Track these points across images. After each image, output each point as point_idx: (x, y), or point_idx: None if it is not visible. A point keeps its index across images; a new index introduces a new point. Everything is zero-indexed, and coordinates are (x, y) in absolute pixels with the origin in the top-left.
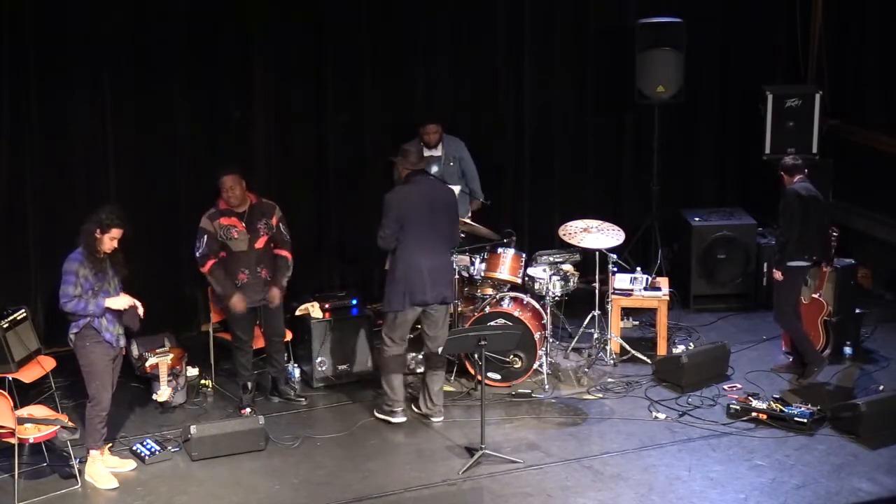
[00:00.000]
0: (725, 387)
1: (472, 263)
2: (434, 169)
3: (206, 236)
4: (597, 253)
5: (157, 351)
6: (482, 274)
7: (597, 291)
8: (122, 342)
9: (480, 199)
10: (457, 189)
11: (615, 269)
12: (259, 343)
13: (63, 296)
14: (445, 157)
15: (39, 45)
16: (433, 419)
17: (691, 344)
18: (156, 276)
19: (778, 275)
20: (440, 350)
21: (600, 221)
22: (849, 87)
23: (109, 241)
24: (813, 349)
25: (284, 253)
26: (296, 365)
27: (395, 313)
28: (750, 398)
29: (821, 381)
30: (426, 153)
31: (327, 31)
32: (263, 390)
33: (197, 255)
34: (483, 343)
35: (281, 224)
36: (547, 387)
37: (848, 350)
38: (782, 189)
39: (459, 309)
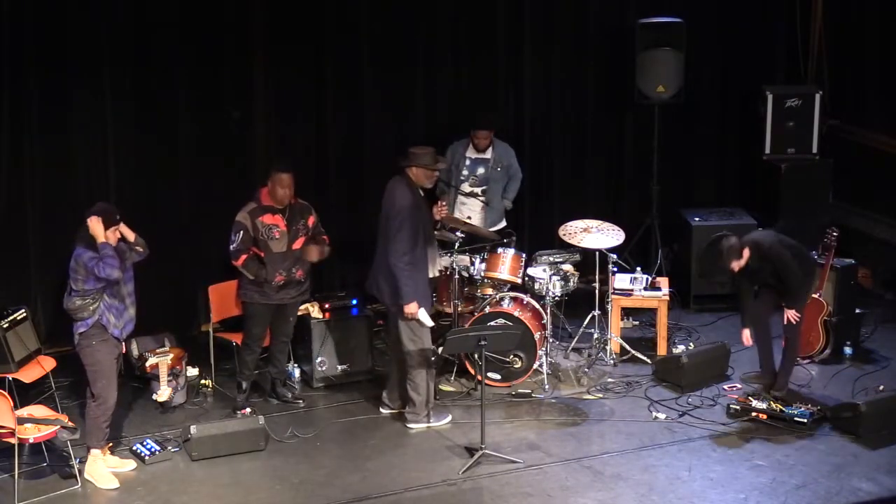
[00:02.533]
0: (725, 387)
1: (472, 263)
2: (480, 171)
3: (242, 232)
4: (597, 253)
5: (157, 351)
6: (482, 274)
7: (597, 291)
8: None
9: (505, 202)
10: (477, 205)
11: (615, 269)
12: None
13: (105, 267)
14: (494, 161)
15: (39, 45)
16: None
17: (691, 344)
18: (156, 276)
19: (794, 315)
20: (439, 350)
21: (600, 221)
22: (849, 87)
23: (113, 234)
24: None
25: (325, 238)
26: (296, 365)
27: None
28: (750, 398)
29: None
30: (475, 155)
31: (327, 31)
32: (262, 391)
33: (231, 248)
34: (483, 343)
35: (318, 223)
36: (547, 387)
37: (848, 350)
38: (756, 257)
39: (459, 309)
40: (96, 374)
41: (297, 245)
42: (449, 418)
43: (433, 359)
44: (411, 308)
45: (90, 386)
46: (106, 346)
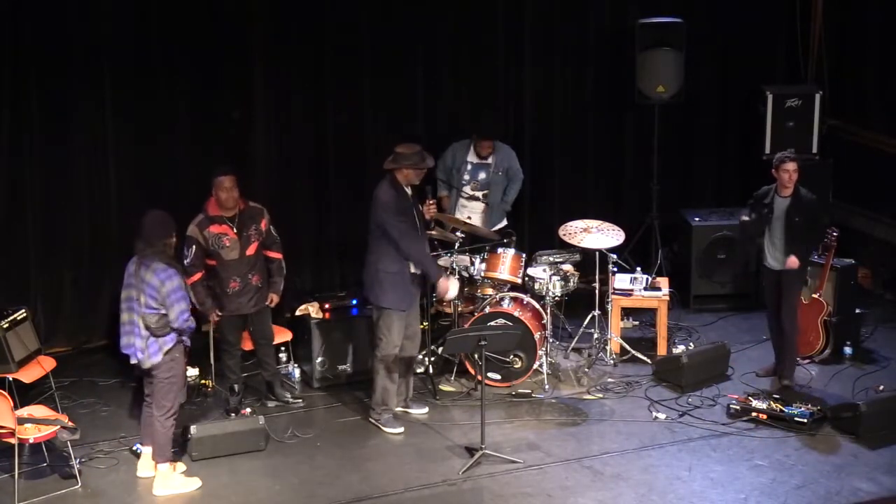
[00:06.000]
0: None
1: (472, 263)
2: (481, 176)
3: (194, 246)
4: (597, 253)
5: None
6: (482, 274)
7: (597, 291)
8: None
9: (504, 204)
10: (478, 206)
11: (615, 269)
12: (248, 345)
13: (182, 314)
14: (495, 166)
15: (40, 46)
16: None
17: (691, 344)
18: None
19: (794, 261)
20: (439, 350)
21: (600, 221)
22: (849, 86)
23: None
24: (795, 357)
25: (277, 255)
26: (296, 365)
27: None
28: (750, 398)
29: (819, 381)
30: (476, 160)
31: (327, 32)
32: (259, 393)
33: (185, 263)
34: (483, 343)
35: (271, 227)
36: (547, 387)
37: (848, 350)
38: (801, 192)
39: (459, 309)
40: (171, 387)
41: (250, 251)
42: (400, 430)
43: (397, 363)
44: (446, 283)
45: (160, 398)
46: (183, 357)
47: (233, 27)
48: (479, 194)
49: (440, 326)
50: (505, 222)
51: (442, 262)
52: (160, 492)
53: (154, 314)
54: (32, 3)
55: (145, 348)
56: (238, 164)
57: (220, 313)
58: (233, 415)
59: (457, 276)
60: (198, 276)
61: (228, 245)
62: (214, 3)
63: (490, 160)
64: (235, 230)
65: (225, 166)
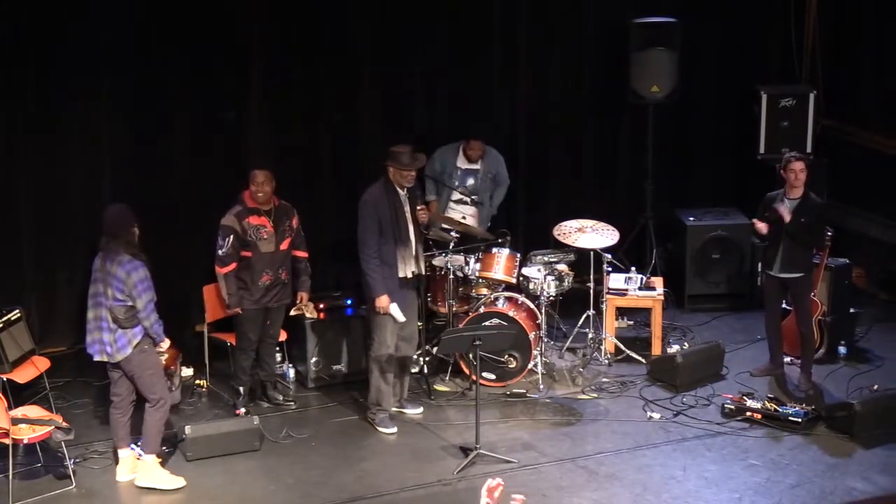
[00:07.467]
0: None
1: (467, 263)
2: (469, 182)
3: (231, 236)
4: (591, 253)
5: None
6: (477, 274)
7: (591, 291)
8: None
9: (491, 208)
10: (469, 209)
11: (610, 269)
12: None
13: (148, 305)
14: (483, 172)
15: (40, 46)
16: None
17: (686, 344)
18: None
19: (786, 214)
20: (434, 350)
21: (595, 221)
22: (843, 87)
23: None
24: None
25: (304, 255)
26: (290, 365)
27: None
28: (744, 398)
29: (814, 380)
30: (465, 165)
31: (327, 32)
32: (253, 394)
33: (219, 253)
34: (478, 343)
35: (300, 226)
36: (542, 387)
37: (842, 350)
38: (811, 196)
39: (454, 309)
40: (154, 377)
41: (284, 246)
42: (394, 430)
43: (391, 361)
44: (381, 301)
45: (147, 392)
46: (153, 348)
47: (233, 27)
48: (468, 199)
49: (435, 326)
50: (488, 224)
51: (437, 261)
52: (142, 482)
53: (122, 306)
54: (32, 3)
55: (114, 342)
56: (232, 164)
57: (240, 310)
58: (240, 412)
59: (451, 276)
60: (232, 266)
61: (266, 237)
62: (214, 3)
63: (479, 165)
64: (272, 223)
65: (260, 161)
